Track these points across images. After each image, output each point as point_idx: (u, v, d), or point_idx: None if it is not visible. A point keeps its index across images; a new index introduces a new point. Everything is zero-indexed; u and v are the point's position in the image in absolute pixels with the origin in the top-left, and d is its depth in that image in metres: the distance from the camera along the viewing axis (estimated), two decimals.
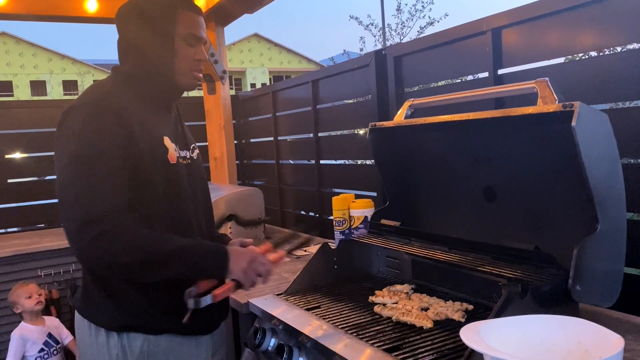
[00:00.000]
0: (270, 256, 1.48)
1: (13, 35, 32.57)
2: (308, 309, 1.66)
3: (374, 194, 2.78)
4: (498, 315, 1.20)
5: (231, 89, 4.07)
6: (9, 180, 3.88)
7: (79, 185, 1.32)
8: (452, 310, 1.50)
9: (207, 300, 1.36)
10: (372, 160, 2.82)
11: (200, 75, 1.56)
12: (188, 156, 1.59)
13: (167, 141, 1.49)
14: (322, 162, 3.35)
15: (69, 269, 3.29)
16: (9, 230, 3.93)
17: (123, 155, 1.36)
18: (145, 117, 1.46)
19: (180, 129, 1.62)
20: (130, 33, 1.50)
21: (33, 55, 33.15)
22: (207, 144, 3.96)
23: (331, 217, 2.66)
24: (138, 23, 1.48)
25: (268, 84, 27.55)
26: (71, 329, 3.27)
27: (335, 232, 2.46)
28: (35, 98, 28.89)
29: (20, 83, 32.66)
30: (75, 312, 1.56)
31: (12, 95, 31.02)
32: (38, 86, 33.29)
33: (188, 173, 1.56)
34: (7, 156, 3.86)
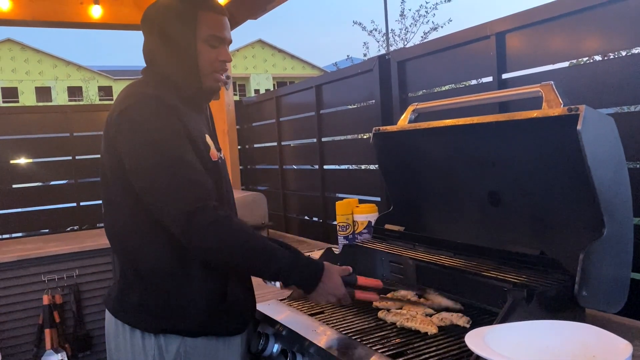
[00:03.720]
0: (360, 294, 1.50)
1: (19, 41, 32.81)
2: (312, 314, 1.65)
3: (378, 198, 2.77)
4: (503, 320, 1.19)
5: (235, 94, 4.07)
6: (14, 186, 3.89)
7: (179, 175, 1.37)
8: (457, 316, 1.49)
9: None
10: (376, 165, 2.82)
11: (223, 77, 1.56)
12: (221, 156, 1.62)
13: (208, 139, 1.53)
14: (325, 167, 3.34)
15: (72, 274, 3.29)
16: (14, 235, 3.94)
17: (191, 149, 1.42)
18: (189, 116, 1.49)
19: (214, 130, 1.67)
20: (155, 37, 1.51)
21: (38, 62, 33.37)
22: None
23: (335, 222, 2.65)
24: (161, 26, 1.50)
25: (272, 89, 27.65)
26: (73, 336, 3.27)
27: (338, 237, 2.45)
28: (41, 104, 29.02)
29: (25, 89, 32.86)
30: (107, 313, 1.56)
31: (18, 101, 31.20)
32: (43, 92, 33.47)
33: (223, 172, 1.61)
34: (12, 161, 3.87)
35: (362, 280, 1.53)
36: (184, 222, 1.33)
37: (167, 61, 1.51)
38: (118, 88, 31.62)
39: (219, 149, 1.61)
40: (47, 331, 3.17)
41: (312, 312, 1.67)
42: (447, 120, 1.65)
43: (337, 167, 3.43)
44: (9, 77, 32.55)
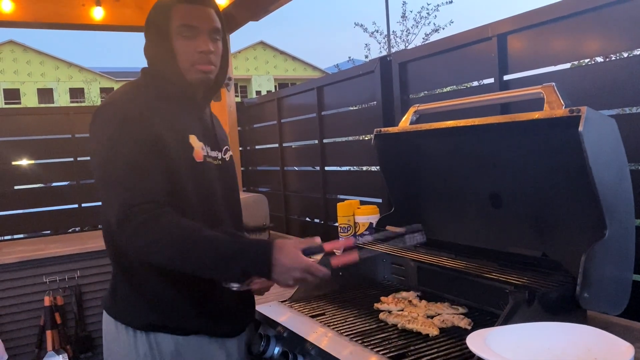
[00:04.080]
0: (337, 260, 1.40)
1: (21, 43, 32.87)
2: (313, 316, 1.65)
3: (379, 200, 2.77)
4: (505, 322, 1.18)
5: (237, 96, 4.09)
6: (16, 187, 3.89)
7: (117, 179, 1.35)
8: (458, 317, 1.49)
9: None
10: (377, 167, 2.82)
11: (209, 67, 1.50)
12: (219, 157, 1.58)
13: (193, 139, 1.48)
14: (327, 168, 3.34)
15: (74, 276, 3.29)
16: (15, 236, 3.94)
17: (155, 151, 1.39)
18: (170, 116, 1.47)
19: (212, 129, 1.61)
20: (146, 36, 1.54)
21: (40, 63, 33.43)
22: None
23: (336, 224, 2.65)
24: (148, 25, 1.53)
25: (274, 91, 27.64)
26: (75, 338, 3.27)
27: (340, 239, 2.45)
28: (43, 105, 29.07)
29: (27, 91, 32.92)
30: (104, 311, 1.57)
31: (20, 103, 31.25)
32: (45, 94, 33.52)
33: (220, 174, 1.56)
34: (14, 163, 3.88)
35: (329, 245, 1.41)
36: (115, 225, 1.32)
37: (153, 59, 1.53)
38: None
39: (218, 149, 1.59)
40: (48, 332, 3.17)
41: (314, 313, 1.67)
42: (449, 122, 1.65)
43: (338, 168, 3.42)
44: (11, 78, 32.61)
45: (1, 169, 3.81)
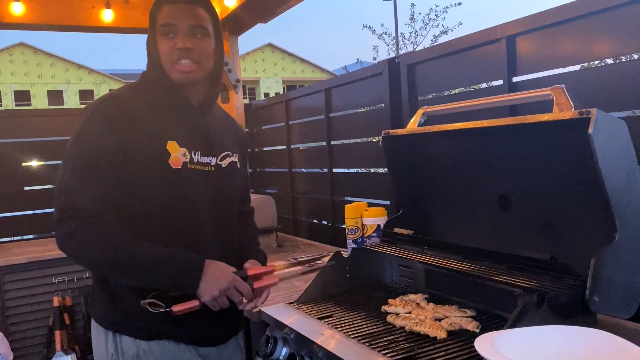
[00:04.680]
0: (258, 283, 1.48)
1: (31, 45, 33.13)
2: (320, 318, 1.64)
3: (387, 202, 2.76)
4: (513, 325, 1.17)
5: (245, 98, 4.09)
6: (26, 188, 3.92)
7: (63, 182, 1.39)
8: (466, 320, 1.48)
9: (166, 309, 1.37)
10: (385, 169, 2.81)
11: (187, 66, 1.47)
12: (212, 163, 1.55)
13: (171, 145, 1.46)
14: (334, 170, 3.34)
15: (82, 277, 3.30)
16: (25, 237, 3.97)
17: (113, 158, 1.39)
18: (151, 121, 1.46)
19: (208, 134, 1.57)
20: None
21: (51, 65, 33.69)
22: None
23: (343, 226, 2.64)
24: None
25: (282, 93, 27.66)
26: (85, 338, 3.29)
27: (347, 241, 2.44)
28: (53, 107, 29.29)
29: (37, 92, 33.18)
30: None
31: (30, 105, 31.49)
32: (55, 96, 33.78)
33: (210, 181, 1.52)
34: (24, 164, 3.90)
35: (252, 270, 1.49)
36: (54, 229, 1.38)
37: (148, 61, 1.54)
38: None
39: (212, 155, 1.55)
40: (57, 333, 3.19)
41: (321, 315, 1.67)
42: (457, 124, 1.64)
43: (346, 170, 3.42)
44: (21, 80, 32.88)
45: (12, 170, 3.84)
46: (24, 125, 3.93)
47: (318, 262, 2.60)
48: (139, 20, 4.05)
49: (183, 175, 1.47)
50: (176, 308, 1.37)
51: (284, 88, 36.30)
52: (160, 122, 1.48)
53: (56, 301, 3.21)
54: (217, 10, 3.68)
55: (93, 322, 1.54)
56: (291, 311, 1.74)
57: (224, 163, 1.59)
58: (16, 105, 31.16)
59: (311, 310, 1.72)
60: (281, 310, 1.76)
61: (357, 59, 18.13)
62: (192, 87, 1.53)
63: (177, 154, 1.46)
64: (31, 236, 4.01)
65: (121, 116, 1.43)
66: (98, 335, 1.51)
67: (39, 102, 32.72)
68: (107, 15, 3.84)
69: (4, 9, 3.53)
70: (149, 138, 1.44)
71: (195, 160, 1.50)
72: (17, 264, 3.18)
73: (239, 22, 3.78)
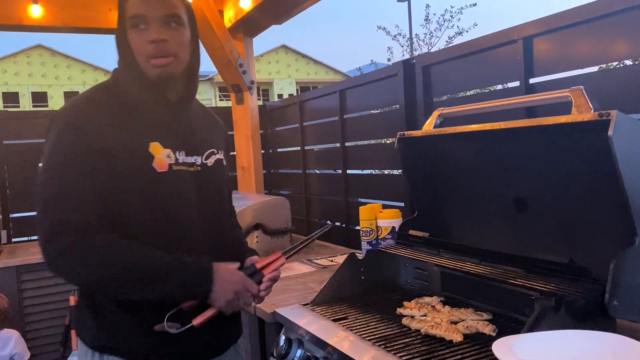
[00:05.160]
0: (268, 272, 1.44)
1: (49, 47, 33.55)
2: (335, 320, 1.64)
3: (401, 204, 2.75)
4: (531, 329, 1.16)
5: (259, 99, 4.11)
6: None
7: (47, 198, 1.28)
8: (482, 324, 1.47)
9: (187, 326, 1.32)
10: (399, 170, 2.80)
11: (163, 60, 1.36)
12: (198, 162, 1.45)
13: (154, 147, 1.36)
14: (348, 171, 3.34)
15: None
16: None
17: (92, 166, 1.29)
18: (130, 123, 1.36)
19: (190, 132, 1.47)
20: None
21: (67, 67, 34.08)
22: (235, 153, 3.99)
23: (357, 227, 2.64)
24: None
25: (295, 94, 27.68)
26: None
27: (362, 243, 2.44)
28: None
29: (54, 94, 33.56)
30: None
31: (47, 106, 31.87)
32: (71, 97, 34.12)
33: (196, 181, 1.43)
34: (41, 164, 3.94)
35: (260, 263, 1.44)
36: (40, 245, 1.27)
37: (118, 58, 1.44)
38: None
39: (197, 154, 1.45)
40: (73, 332, 3.22)
41: (336, 317, 1.66)
42: (474, 125, 1.63)
43: (359, 171, 3.41)
44: (39, 82, 33.30)
45: (28, 170, 3.88)
46: (40, 126, 3.97)
47: (332, 263, 2.59)
48: None
49: (169, 178, 1.38)
50: (197, 321, 1.33)
51: (297, 89, 36.36)
52: (139, 123, 1.38)
53: (72, 300, 3.23)
54: (232, 12, 3.70)
55: (78, 343, 1.45)
56: (306, 312, 1.74)
57: (210, 161, 1.49)
58: (33, 106, 31.56)
59: (326, 312, 1.72)
60: (296, 311, 1.76)
61: (372, 61, 18.12)
62: (169, 83, 1.41)
63: (162, 156, 1.37)
64: None
65: (95, 123, 1.32)
66: (84, 356, 1.42)
67: (56, 103, 33.07)
68: None
69: (22, 12, 3.58)
70: (129, 142, 1.34)
71: (180, 160, 1.41)
72: (34, 263, 3.22)
73: (253, 24, 3.79)
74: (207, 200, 1.46)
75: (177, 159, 1.40)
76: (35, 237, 3.95)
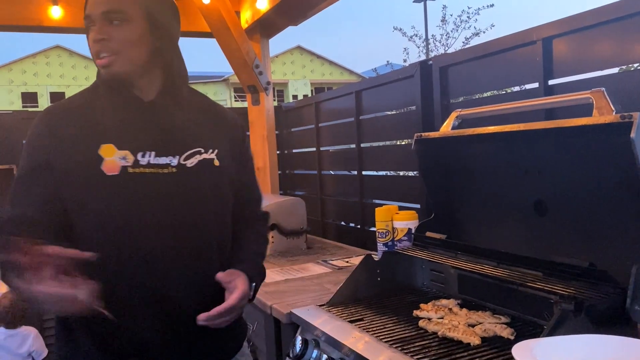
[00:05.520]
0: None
1: (67, 48, 33.97)
2: (351, 321, 1.64)
3: (416, 205, 2.74)
4: (551, 333, 1.15)
5: (274, 100, 4.11)
6: None
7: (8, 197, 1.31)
8: (500, 327, 1.45)
9: None
10: (415, 172, 2.79)
11: (103, 60, 1.32)
12: (173, 163, 1.34)
13: (106, 149, 1.30)
14: (364, 173, 3.33)
15: None
16: None
17: (43, 165, 1.30)
18: (86, 126, 1.33)
19: (163, 132, 1.37)
20: None
21: (85, 68, 34.43)
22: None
23: (373, 229, 2.63)
24: None
25: (309, 95, 27.71)
26: None
27: (377, 244, 2.43)
28: None
29: (72, 94, 33.96)
30: None
31: None
32: None
33: (163, 184, 1.32)
34: None
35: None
36: None
37: None
38: None
39: (170, 154, 1.34)
40: None
41: (352, 318, 1.66)
42: (493, 127, 1.62)
43: (375, 173, 3.41)
44: (57, 82, 33.71)
45: None
46: None
47: (348, 264, 2.59)
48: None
49: (121, 181, 1.29)
50: None
51: (312, 90, 36.38)
52: (96, 125, 1.33)
53: None
54: (249, 13, 3.72)
55: None
56: (322, 313, 1.74)
57: (190, 162, 1.36)
58: None
59: (342, 313, 1.71)
60: (312, 312, 1.76)
61: (388, 61, 18.07)
62: (138, 81, 1.36)
63: (113, 158, 1.29)
64: None
65: (56, 126, 1.33)
66: None
67: None
68: None
69: (42, 13, 3.63)
70: (79, 144, 1.30)
71: (143, 162, 1.31)
72: None
73: (270, 25, 3.80)
74: (181, 204, 1.34)
75: (137, 161, 1.31)
76: None
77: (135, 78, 1.37)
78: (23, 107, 28.54)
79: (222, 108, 1.59)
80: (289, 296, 2.06)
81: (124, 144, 1.32)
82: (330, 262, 2.69)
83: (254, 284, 1.39)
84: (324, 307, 1.79)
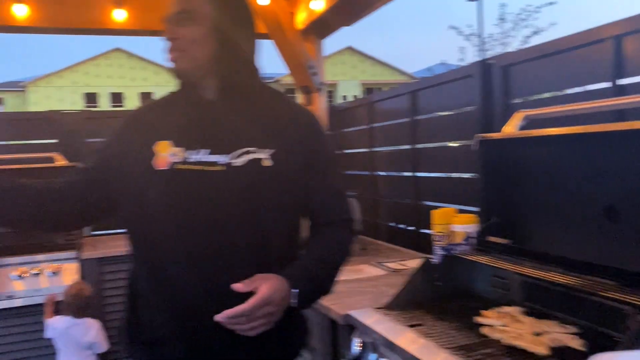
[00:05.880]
0: None
1: (126, 50, 35.25)
2: (411, 326, 1.61)
3: (473, 208, 2.67)
4: (628, 347, 1.09)
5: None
6: None
7: None
8: (569, 337, 1.39)
9: None
10: (472, 174, 2.72)
11: (172, 57, 1.38)
12: (222, 162, 1.32)
13: (160, 145, 1.35)
14: (418, 174, 3.28)
15: None
16: (119, 231, 4.19)
17: (109, 156, 1.44)
18: (152, 122, 1.43)
19: (218, 130, 1.37)
20: None
21: (142, 69, 35.63)
22: None
23: (427, 231, 2.58)
24: None
25: (360, 96, 27.59)
26: None
27: (434, 247, 2.38)
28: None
29: (130, 94, 35.17)
30: None
31: (122, 106, 33.46)
32: (146, 98, 35.69)
33: (209, 182, 1.32)
34: None
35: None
36: None
37: None
38: None
39: (223, 152, 1.33)
40: None
41: (411, 323, 1.63)
42: (561, 128, 1.56)
43: (429, 174, 3.35)
44: (116, 83, 35.04)
45: None
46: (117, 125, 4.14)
47: (403, 267, 2.56)
48: None
49: (168, 176, 1.32)
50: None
51: (363, 91, 36.24)
52: (161, 121, 1.42)
53: None
54: (304, 14, 3.73)
55: None
56: (380, 316, 1.72)
57: (239, 161, 1.32)
58: (112, 106, 33.21)
59: (400, 317, 1.69)
60: (370, 314, 1.74)
61: (442, 61, 17.77)
62: (202, 81, 1.40)
63: (166, 154, 1.33)
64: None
65: (134, 119, 1.48)
66: None
67: (131, 103, 34.64)
68: None
69: (106, 16, 3.76)
70: (141, 139, 1.39)
71: (191, 159, 1.32)
72: (115, 255, 3.36)
73: (324, 26, 3.80)
74: (227, 202, 1.31)
75: (186, 158, 1.33)
76: (111, 232, 4.13)
77: (199, 77, 1.40)
78: (85, 106, 29.78)
79: (297, 108, 1.51)
80: (345, 297, 2.05)
81: (180, 141, 1.35)
82: (385, 264, 2.66)
83: (296, 290, 1.29)
84: (382, 309, 1.77)
